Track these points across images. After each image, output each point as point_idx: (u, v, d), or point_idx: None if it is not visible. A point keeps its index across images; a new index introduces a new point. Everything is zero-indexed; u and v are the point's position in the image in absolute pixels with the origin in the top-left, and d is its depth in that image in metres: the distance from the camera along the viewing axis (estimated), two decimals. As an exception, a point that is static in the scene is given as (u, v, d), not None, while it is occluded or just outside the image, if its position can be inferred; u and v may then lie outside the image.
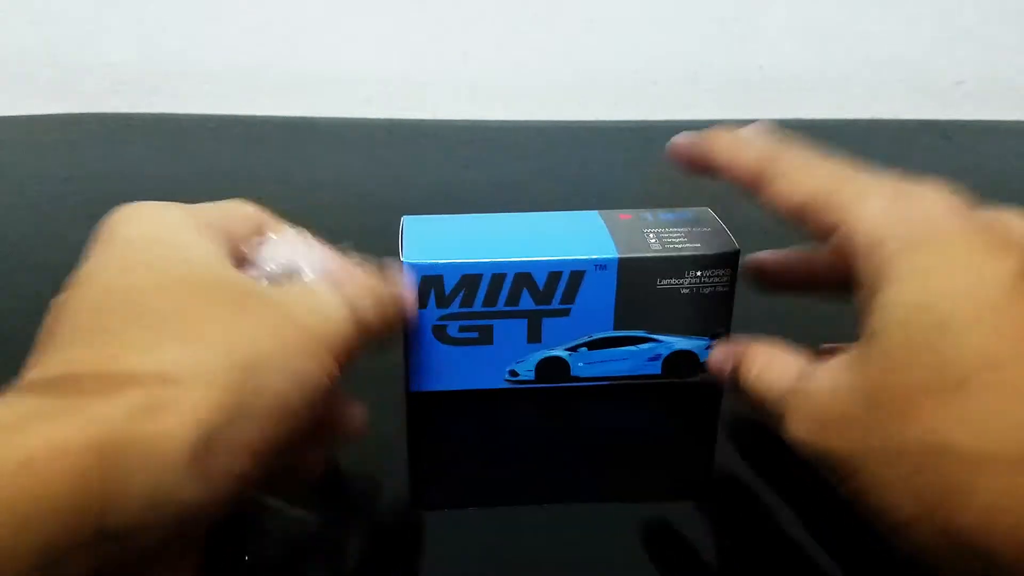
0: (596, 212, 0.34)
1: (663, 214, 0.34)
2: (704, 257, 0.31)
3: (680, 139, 0.30)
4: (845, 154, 0.26)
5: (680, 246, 0.31)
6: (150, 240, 0.24)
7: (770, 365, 0.26)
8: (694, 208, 0.35)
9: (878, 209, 0.23)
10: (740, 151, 0.28)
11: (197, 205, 0.26)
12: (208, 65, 0.72)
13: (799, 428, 0.24)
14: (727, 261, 0.31)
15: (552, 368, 0.33)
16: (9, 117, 0.68)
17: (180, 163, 0.60)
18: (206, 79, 0.72)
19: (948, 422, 0.20)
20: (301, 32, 0.72)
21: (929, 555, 0.21)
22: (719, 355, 0.29)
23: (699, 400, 0.34)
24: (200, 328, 0.21)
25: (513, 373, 0.33)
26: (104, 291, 0.23)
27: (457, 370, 0.32)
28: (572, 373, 0.33)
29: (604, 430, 0.33)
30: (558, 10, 0.71)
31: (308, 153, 0.61)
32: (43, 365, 0.22)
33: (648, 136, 0.65)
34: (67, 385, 0.20)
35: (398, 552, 0.27)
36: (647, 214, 0.34)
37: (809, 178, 0.25)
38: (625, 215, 0.34)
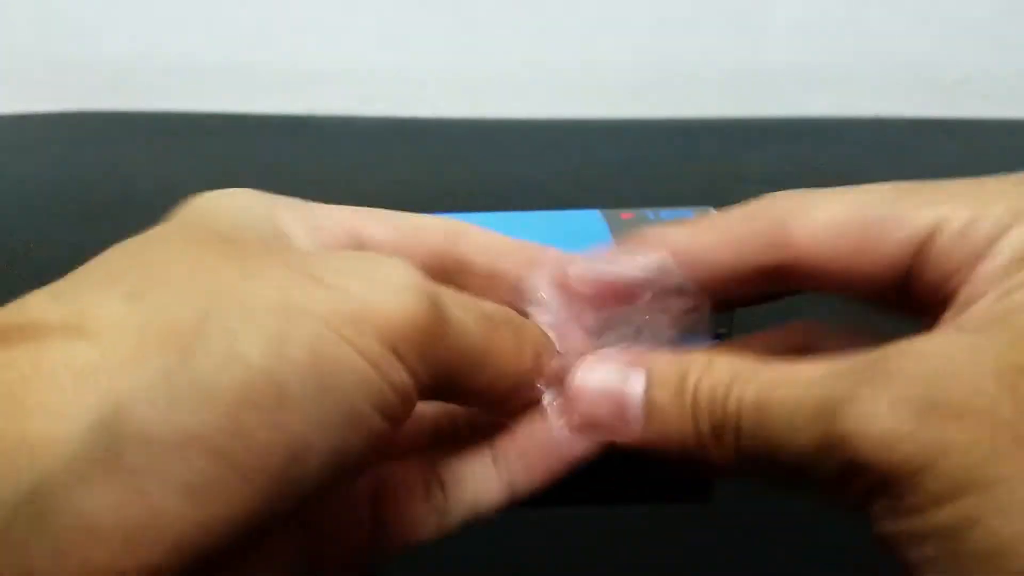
0: (597, 211, 0.34)
1: (664, 212, 0.34)
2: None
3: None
4: (848, 152, 0.25)
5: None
6: (209, 208, 0.19)
7: (721, 359, 0.18)
8: (695, 207, 0.35)
9: (988, 204, 0.19)
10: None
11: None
12: (208, 63, 0.72)
13: (882, 416, 0.15)
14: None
15: None
16: (9, 116, 0.68)
17: (180, 163, 0.60)
18: (206, 78, 0.72)
19: None
20: (301, 31, 0.71)
21: None
22: (598, 382, 0.19)
23: None
24: (166, 277, 0.16)
25: None
26: (120, 247, 0.18)
27: None
28: None
29: None
30: (559, 9, 0.70)
31: (308, 153, 0.61)
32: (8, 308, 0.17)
33: (650, 135, 0.65)
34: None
35: (399, 557, 0.27)
36: (648, 213, 0.34)
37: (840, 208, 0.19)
38: (627, 214, 0.34)
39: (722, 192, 0.29)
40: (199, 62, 0.72)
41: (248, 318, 0.14)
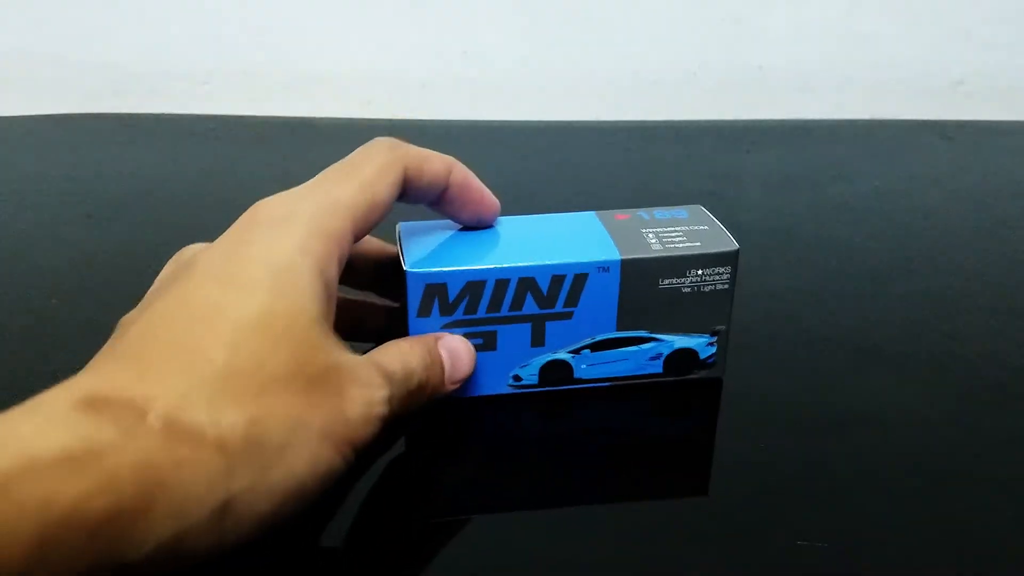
0: (592, 213, 0.34)
1: (659, 213, 0.34)
2: (705, 256, 0.31)
3: None
4: (845, 154, 0.26)
5: (681, 246, 0.32)
6: (253, 276, 0.24)
7: None
8: (688, 206, 0.35)
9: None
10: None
11: (333, 196, 0.29)
12: (208, 65, 0.72)
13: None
14: (727, 259, 0.32)
15: (556, 371, 0.33)
16: (9, 117, 0.68)
17: (180, 163, 0.60)
18: (206, 79, 0.72)
19: None
20: (301, 32, 0.72)
21: None
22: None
23: (700, 396, 0.34)
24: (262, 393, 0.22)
25: (516, 378, 0.33)
26: (181, 308, 0.24)
27: None
28: (575, 375, 0.33)
29: (608, 431, 0.33)
30: (558, 10, 0.71)
31: (308, 153, 0.61)
32: (94, 373, 0.23)
33: (648, 136, 0.65)
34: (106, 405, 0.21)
35: (403, 560, 0.27)
36: (643, 213, 0.34)
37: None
38: (622, 215, 0.34)
39: (720, 193, 0.29)
40: (200, 64, 0.72)
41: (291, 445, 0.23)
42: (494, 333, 0.31)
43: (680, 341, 0.33)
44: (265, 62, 0.72)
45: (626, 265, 0.31)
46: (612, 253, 0.31)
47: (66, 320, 0.40)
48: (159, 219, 0.51)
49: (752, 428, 0.32)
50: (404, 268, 0.30)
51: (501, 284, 0.31)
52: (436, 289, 0.30)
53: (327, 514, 0.28)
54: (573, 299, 0.31)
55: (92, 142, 0.64)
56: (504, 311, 0.31)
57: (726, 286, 0.32)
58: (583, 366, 0.33)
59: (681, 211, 0.34)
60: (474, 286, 0.30)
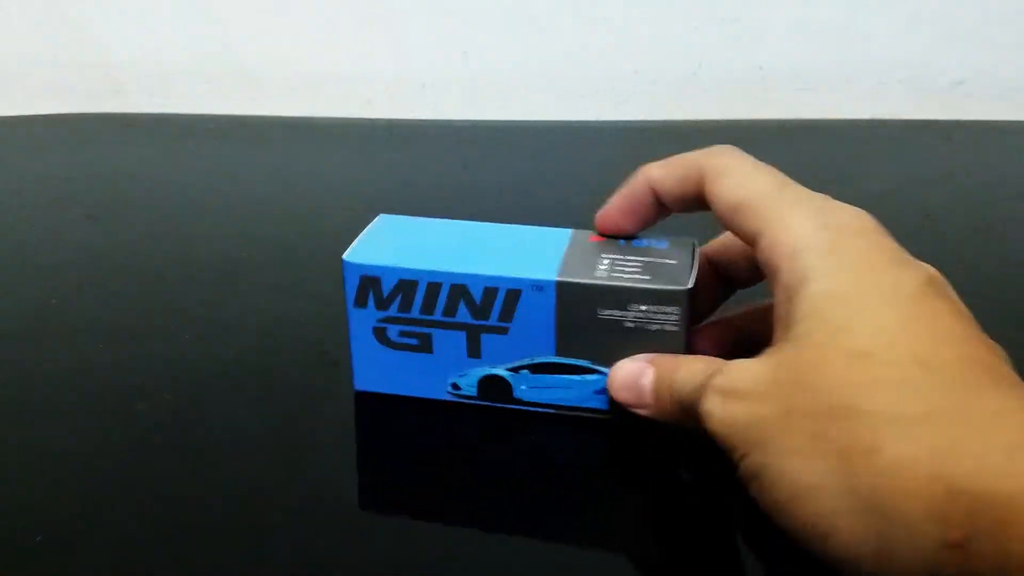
0: (569, 231, 0.32)
1: (638, 241, 0.32)
2: (646, 292, 0.29)
3: (616, 202, 0.31)
4: (845, 154, 0.26)
5: (627, 276, 0.29)
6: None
7: (687, 365, 0.27)
8: (677, 238, 0.32)
9: (803, 220, 0.25)
10: (681, 158, 0.29)
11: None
12: (208, 65, 0.72)
13: (709, 404, 0.24)
14: (673, 299, 0.29)
15: (494, 387, 0.32)
16: (9, 117, 0.68)
17: (180, 163, 0.60)
18: (206, 79, 0.72)
19: (854, 387, 0.21)
20: (301, 32, 0.72)
21: (824, 523, 0.21)
22: (623, 375, 0.30)
23: (653, 437, 0.31)
24: None
25: (455, 387, 0.32)
26: None
27: (400, 375, 0.32)
28: (515, 395, 0.32)
29: (544, 458, 0.31)
30: (558, 10, 0.71)
31: (308, 153, 0.61)
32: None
33: (648, 136, 0.65)
34: None
35: (332, 550, 0.27)
36: (622, 240, 0.32)
37: (746, 182, 0.27)
38: (597, 237, 0.32)
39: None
40: (200, 64, 0.72)
41: None
42: (429, 336, 0.31)
43: None
44: (265, 62, 0.72)
45: (561, 287, 0.29)
46: (550, 273, 0.29)
47: (66, 320, 0.40)
48: (159, 219, 0.51)
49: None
50: (343, 257, 0.30)
51: (433, 288, 0.30)
52: (370, 282, 0.30)
53: (258, 499, 0.28)
54: (507, 314, 0.30)
55: (92, 142, 0.64)
56: (438, 315, 0.31)
57: (676, 328, 0.29)
58: (523, 387, 0.32)
59: (663, 242, 0.32)
60: (406, 285, 0.30)
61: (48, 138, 0.64)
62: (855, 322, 0.22)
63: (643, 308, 0.29)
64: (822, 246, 0.24)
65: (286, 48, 0.72)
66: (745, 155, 0.28)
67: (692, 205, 0.29)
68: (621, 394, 0.29)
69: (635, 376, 0.29)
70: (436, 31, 0.71)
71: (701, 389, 0.25)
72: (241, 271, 0.44)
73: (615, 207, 0.31)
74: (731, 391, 0.24)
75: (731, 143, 0.29)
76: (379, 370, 0.32)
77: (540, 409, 0.32)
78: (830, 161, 0.59)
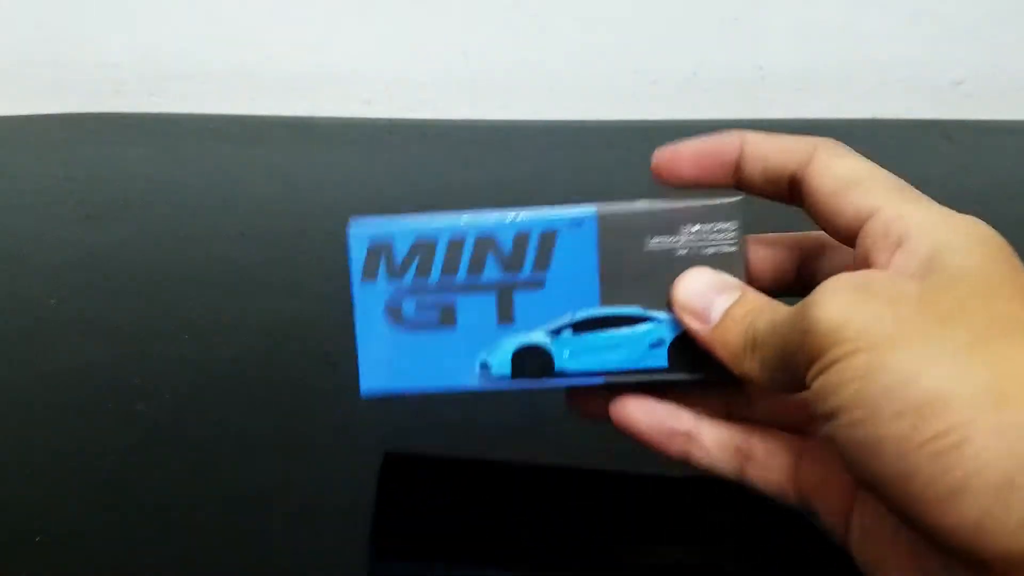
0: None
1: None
2: (700, 208, 0.26)
3: (681, 147, 0.27)
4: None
5: (673, 200, 0.27)
6: None
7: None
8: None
9: (930, 204, 0.24)
10: (786, 136, 0.27)
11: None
12: (208, 65, 0.72)
13: (826, 294, 0.21)
14: (730, 212, 0.27)
15: (532, 359, 0.27)
16: (9, 117, 0.68)
17: (180, 163, 0.60)
18: (206, 79, 0.72)
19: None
20: (301, 32, 0.72)
21: (957, 435, 0.18)
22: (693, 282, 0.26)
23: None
24: None
25: (485, 367, 0.27)
26: None
27: (418, 365, 0.27)
28: (557, 367, 0.27)
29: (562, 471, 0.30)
30: (558, 10, 0.71)
31: (308, 153, 0.61)
32: None
33: (648, 136, 0.65)
34: None
35: (332, 550, 0.27)
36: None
37: (866, 164, 0.25)
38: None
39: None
40: (201, 65, 0.72)
41: None
42: (452, 306, 0.27)
43: None
44: (265, 62, 0.72)
45: (603, 220, 0.26)
46: (586, 208, 0.27)
47: (65, 320, 0.40)
48: (159, 219, 0.51)
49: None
50: (347, 228, 0.27)
51: (456, 245, 0.27)
52: (381, 248, 0.27)
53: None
54: (543, 262, 0.27)
55: (91, 142, 0.64)
56: (462, 277, 0.27)
57: (733, 247, 0.27)
58: (565, 353, 0.27)
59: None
60: (424, 246, 0.27)
61: (47, 138, 0.64)
62: (1005, 289, 0.21)
63: (695, 229, 0.26)
64: (958, 225, 0.23)
65: (286, 48, 0.72)
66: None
67: (774, 184, 0.26)
68: (690, 298, 0.26)
69: (713, 287, 0.26)
70: (436, 31, 0.71)
71: (808, 297, 0.22)
72: (241, 271, 0.44)
73: (689, 150, 0.27)
74: (865, 286, 0.21)
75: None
76: (392, 363, 0.28)
77: (587, 381, 0.27)
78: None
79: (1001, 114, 0.69)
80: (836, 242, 0.26)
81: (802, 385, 0.22)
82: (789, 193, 0.26)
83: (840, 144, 0.26)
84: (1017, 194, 0.54)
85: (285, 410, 0.33)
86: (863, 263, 0.23)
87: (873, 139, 0.65)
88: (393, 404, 0.33)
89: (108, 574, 0.26)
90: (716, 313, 0.25)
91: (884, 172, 0.25)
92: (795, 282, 0.28)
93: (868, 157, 0.26)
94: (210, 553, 0.27)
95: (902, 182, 0.25)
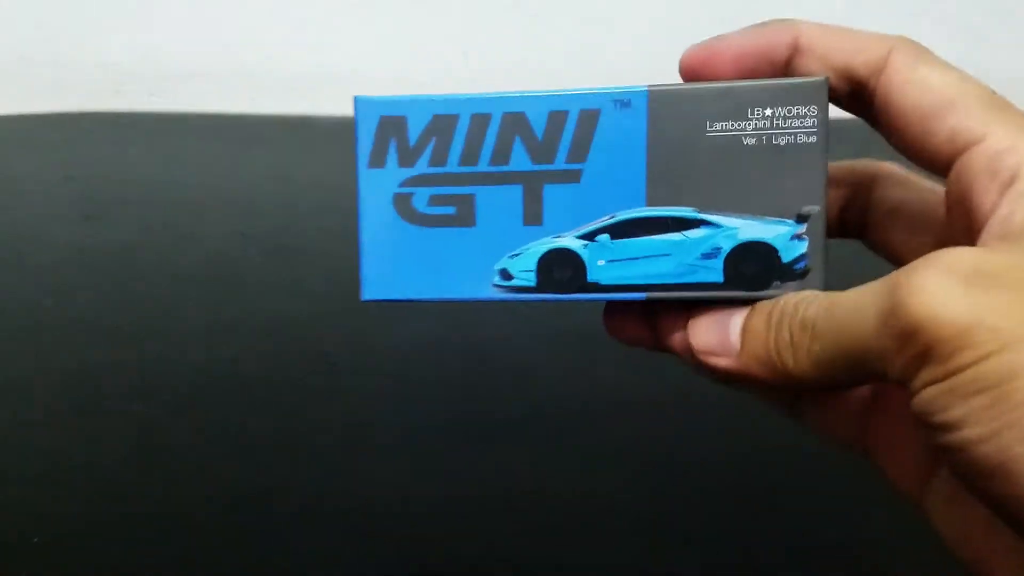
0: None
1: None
2: (774, 88, 0.22)
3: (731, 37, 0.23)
4: (845, 154, 0.25)
5: (738, 80, 0.23)
6: None
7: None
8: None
9: None
10: (847, 29, 0.23)
11: None
12: (208, 65, 0.72)
13: (935, 285, 0.17)
14: (811, 94, 0.22)
15: (560, 266, 0.23)
16: (8, 116, 0.68)
17: (179, 162, 0.60)
18: (206, 79, 0.72)
19: None
20: (301, 32, 0.71)
21: None
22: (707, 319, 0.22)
23: None
24: None
25: (505, 275, 0.23)
26: None
27: (428, 268, 0.24)
28: (589, 278, 0.23)
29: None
30: (558, 9, 0.71)
31: (308, 153, 0.61)
32: None
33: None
34: None
35: (331, 550, 0.27)
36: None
37: (956, 75, 0.21)
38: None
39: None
40: (200, 63, 0.72)
41: None
42: (471, 199, 0.23)
43: (748, 228, 0.22)
44: (264, 61, 0.72)
45: (656, 99, 0.22)
46: (636, 86, 0.23)
47: (64, 321, 0.39)
48: (158, 218, 0.50)
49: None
50: (353, 97, 0.23)
51: (479, 123, 0.23)
52: (393, 125, 0.23)
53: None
54: (580, 151, 0.23)
55: (90, 141, 0.64)
56: (484, 165, 0.23)
57: (813, 138, 0.22)
58: (600, 262, 0.23)
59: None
60: (442, 124, 0.23)
61: (46, 137, 0.64)
62: None
63: (767, 113, 0.22)
64: None
65: (285, 47, 0.72)
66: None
67: (835, 90, 0.22)
68: (704, 336, 0.22)
69: (721, 316, 0.22)
70: (436, 31, 0.71)
71: (894, 282, 0.18)
72: (241, 271, 0.44)
73: (730, 48, 0.23)
74: (980, 273, 0.17)
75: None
76: (399, 265, 0.24)
77: (625, 296, 0.23)
78: (832, 158, 0.58)
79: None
80: (896, 174, 0.22)
81: (873, 380, 0.19)
82: (853, 101, 0.22)
83: (919, 44, 0.22)
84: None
85: (285, 410, 0.33)
86: (959, 202, 0.20)
87: (873, 138, 0.64)
88: (394, 405, 0.33)
89: (108, 574, 0.26)
90: (735, 335, 0.21)
91: (982, 85, 0.21)
92: (835, 223, 0.24)
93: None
94: (210, 553, 0.27)
95: (1004, 100, 0.21)
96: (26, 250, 0.47)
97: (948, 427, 0.17)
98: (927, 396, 0.17)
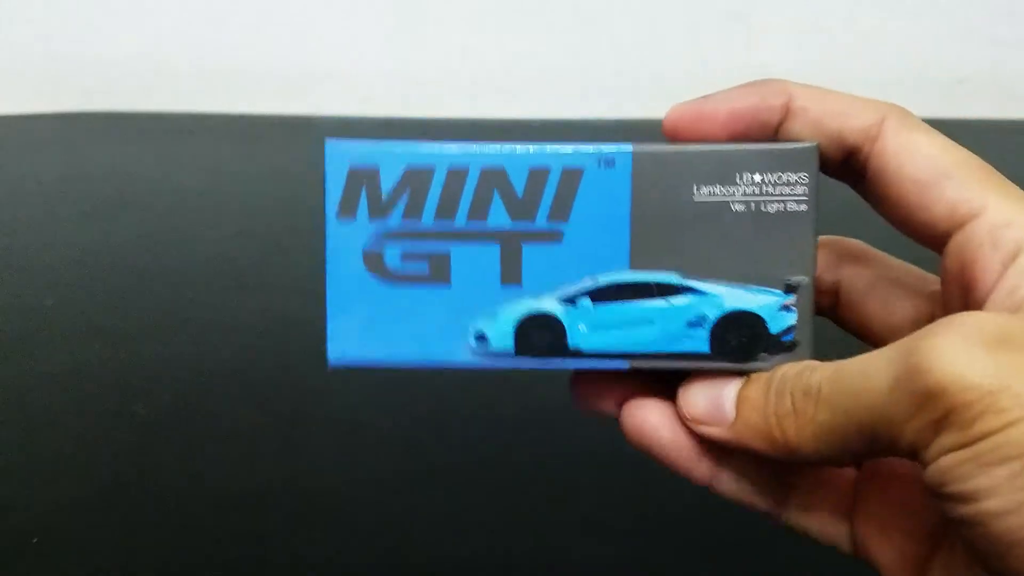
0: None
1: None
2: (764, 153, 0.21)
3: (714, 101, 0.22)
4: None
5: (727, 142, 0.22)
6: None
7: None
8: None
9: None
10: (838, 93, 0.22)
11: None
12: (207, 64, 0.72)
13: (955, 352, 0.16)
14: (801, 161, 0.21)
15: (539, 331, 0.22)
16: (9, 116, 0.68)
17: (180, 163, 0.60)
18: (205, 78, 0.72)
19: None
20: (300, 30, 0.71)
21: None
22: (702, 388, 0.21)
23: None
24: None
25: (481, 338, 0.22)
26: None
27: (399, 330, 0.22)
28: (570, 344, 0.22)
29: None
30: (558, 8, 0.70)
31: (306, 152, 0.61)
32: None
33: (648, 135, 0.65)
34: None
35: (330, 550, 0.27)
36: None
37: (947, 145, 0.20)
38: None
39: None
40: (199, 63, 0.72)
41: None
42: (446, 256, 0.22)
43: (734, 297, 0.22)
44: (261, 60, 0.72)
45: (641, 160, 0.22)
46: (621, 145, 0.22)
47: (62, 321, 0.39)
48: (156, 218, 0.50)
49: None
50: (324, 143, 0.22)
51: (456, 176, 0.22)
52: (364, 176, 0.22)
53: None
54: (562, 210, 0.22)
55: (92, 142, 0.64)
56: (460, 220, 0.22)
57: (803, 206, 0.22)
58: (581, 327, 0.22)
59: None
60: (417, 176, 0.22)
61: (43, 136, 0.64)
62: None
63: (756, 179, 0.22)
64: None
65: (286, 47, 0.71)
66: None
67: (825, 154, 0.21)
68: (695, 406, 0.21)
69: (715, 386, 0.21)
70: (435, 27, 0.71)
71: (911, 346, 0.17)
72: (240, 271, 0.44)
73: (720, 110, 0.22)
74: (1004, 337, 0.16)
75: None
76: (368, 326, 0.23)
77: (607, 364, 0.22)
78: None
79: (1004, 113, 0.69)
80: (864, 250, 0.22)
81: (879, 453, 0.18)
82: (844, 169, 0.21)
83: (910, 112, 0.21)
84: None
85: (285, 410, 0.33)
86: (958, 275, 0.19)
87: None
88: (395, 405, 0.33)
89: (107, 574, 0.26)
90: (729, 403, 0.21)
91: (974, 156, 0.20)
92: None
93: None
94: (210, 553, 0.27)
95: (995, 171, 0.20)
96: (26, 250, 0.47)
97: (967, 498, 0.16)
98: (945, 464, 0.16)
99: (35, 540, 0.27)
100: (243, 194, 0.54)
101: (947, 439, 0.16)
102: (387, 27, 0.71)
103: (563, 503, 0.30)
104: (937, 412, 0.16)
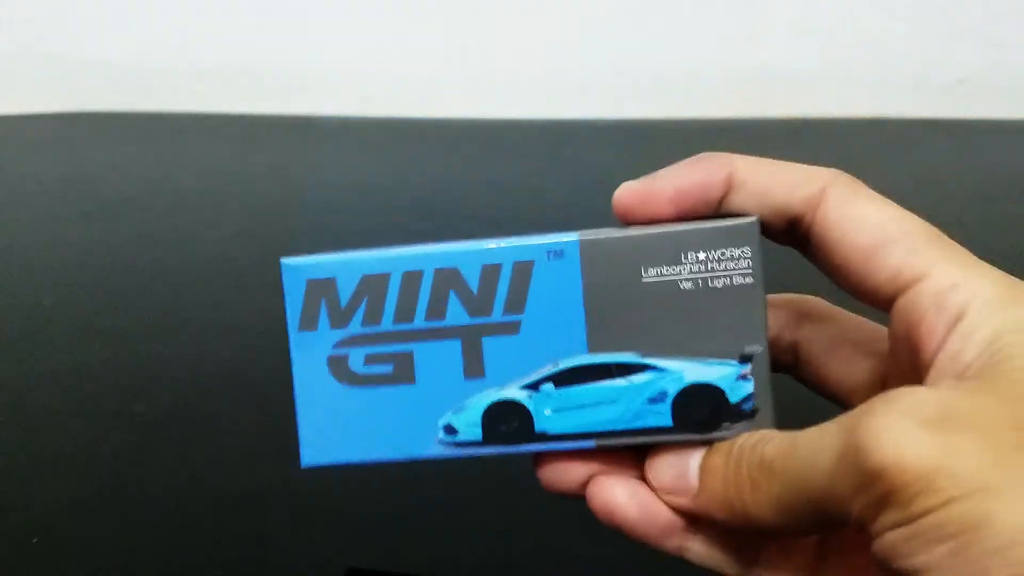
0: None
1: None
2: (704, 231, 0.22)
3: (654, 183, 0.22)
4: (847, 152, 0.25)
5: (668, 224, 0.23)
6: None
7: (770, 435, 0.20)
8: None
9: (986, 271, 0.20)
10: (781, 163, 0.22)
11: None
12: (207, 64, 0.72)
13: (897, 433, 0.17)
14: (742, 236, 0.22)
15: (507, 419, 0.23)
16: (9, 116, 0.68)
17: (180, 163, 0.60)
18: (205, 78, 0.72)
19: None
20: (300, 30, 0.71)
21: None
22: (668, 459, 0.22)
23: None
24: None
25: (449, 430, 0.23)
26: None
27: (369, 429, 0.23)
28: (537, 428, 0.23)
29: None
30: (558, 8, 0.70)
31: (308, 153, 0.61)
32: None
33: (649, 135, 0.65)
34: None
35: (330, 551, 0.27)
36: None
37: (894, 213, 0.21)
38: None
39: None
40: (199, 63, 0.72)
41: None
42: (409, 356, 0.23)
43: (692, 371, 0.22)
44: (264, 61, 0.72)
45: (588, 248, 0.22)
46: (567, 235, 0.22)
47: (62, 321, 0.39)
48: (156, 218, 0.50)
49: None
50: (280, 262, 0.24)
51: (411, 280, 0.23)
52: (321, 289, 0.23)
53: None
54: (517, 302, 0.23)
55: (92, 142, 0.64)
56: (420, 321, 0.23)
57: (749, 279, 0.22)
58: (546, 411, 0.23)
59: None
60: (374, 283, 0.23)
61: (43, 136, 0.64)
62: None
63: (702, 256, 0.22)
64: (1020, 296, 0.19)
65: (285, 47, 0.72)
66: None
67: (770, 224, 0.22)
68: (661, 476, 0.22)
69: (679, 456, 0.22)
70: (436, 27, 0.71)
71: (851, 423, 0.17)
72: (239, 271, 0.44)
73: (665, 188, 0.22)
74: (941, 416, 0.17)
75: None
76: (338, 429, 0.23)
77: (574, 444, 0.23)
78: (831, 160, 0.58)
79: (1004, 112, 0.69)
80: (824, 308, 0.23)
81: (833, 525, 0.18)
82: (790, 236, 0.22)
83: (854, 179, 0.22)
84: (1019, 193, 0.54)
85: (285, 410, 0.33)
86: (905, 337, 0.20)
87: (875, 137, 0.64)
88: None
89: (107, 574, 0.26)
90: (693, 473, 0.21)
91: (919, 220, 0.21)
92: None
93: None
94: (210, 553, 0.27)
95: (940, 234, 0.20)
96: (26, 250, 0.47)
97: (911, 573, 0.17)
98: (889, 541, 0.17)
99: (35, 540, 0.27)
100: (243, 194, 0.54)
101: (889, 517, 0.17)
102: (387, 27, 0.71)
103: (563, 503, 0.30)
104: (878, 491, 0.17)
